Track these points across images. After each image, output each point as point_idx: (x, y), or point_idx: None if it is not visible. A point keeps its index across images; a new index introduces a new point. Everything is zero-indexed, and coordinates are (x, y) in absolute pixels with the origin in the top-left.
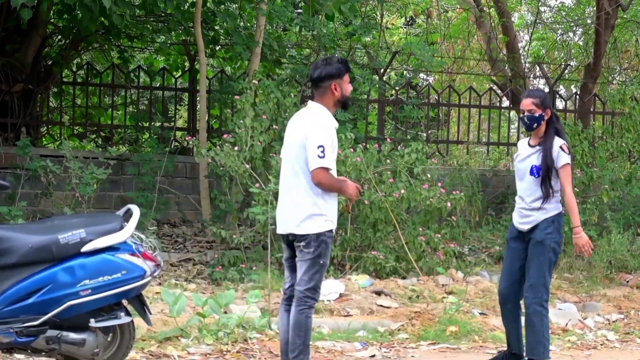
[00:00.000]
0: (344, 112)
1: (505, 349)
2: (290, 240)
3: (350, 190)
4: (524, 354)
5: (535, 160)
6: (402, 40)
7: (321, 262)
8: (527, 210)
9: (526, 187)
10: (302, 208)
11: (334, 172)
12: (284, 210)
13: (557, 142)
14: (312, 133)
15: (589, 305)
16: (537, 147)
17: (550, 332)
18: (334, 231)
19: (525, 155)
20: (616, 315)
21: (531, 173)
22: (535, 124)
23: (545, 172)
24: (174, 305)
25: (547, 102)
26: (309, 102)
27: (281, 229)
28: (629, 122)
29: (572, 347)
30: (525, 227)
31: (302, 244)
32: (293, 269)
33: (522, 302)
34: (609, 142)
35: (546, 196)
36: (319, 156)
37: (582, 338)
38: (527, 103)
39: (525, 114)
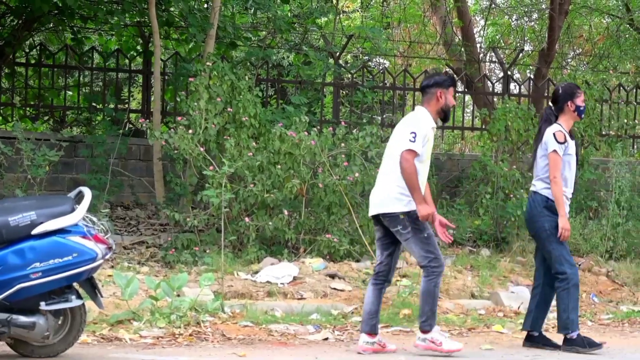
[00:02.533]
0: (299, 96)
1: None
2: (381, 221)
3: (421, 208)
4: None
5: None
6: (358, 22)
7: (424, 235)
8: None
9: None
10: (389, 189)
11: (422, 167)
12: (375, 192)
13: (551, 128)
14: (410, 124)
15: None
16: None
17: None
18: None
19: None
20: None
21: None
22: (584, 115)
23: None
24: (126, 288)
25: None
26: (417, 106)
27: (372, 211)
28: None
29: (523, 330)
30: None
31: (393, 225)
32: (384, 248)
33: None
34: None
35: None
36: (410, 140)
37: None
38: (582, 96)
39: (583, 105)
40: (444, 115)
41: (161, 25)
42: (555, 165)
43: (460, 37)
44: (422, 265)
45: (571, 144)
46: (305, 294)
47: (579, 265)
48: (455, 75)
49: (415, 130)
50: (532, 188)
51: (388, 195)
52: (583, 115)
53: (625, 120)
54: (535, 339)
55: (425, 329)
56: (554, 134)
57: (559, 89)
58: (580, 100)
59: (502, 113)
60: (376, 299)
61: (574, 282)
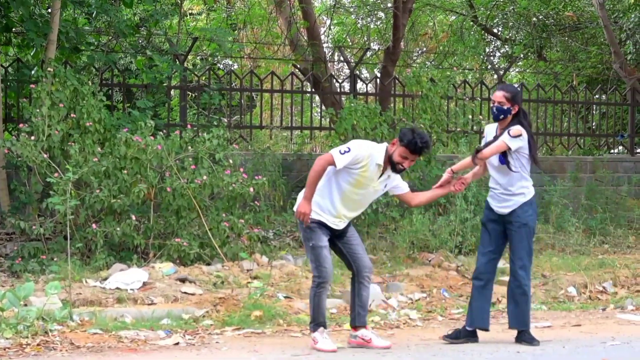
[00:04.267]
0: (146, 100)
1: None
2: None
3: (301, 206)
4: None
5: None
6: (203, 22)
7: (310, 244)
8: (507, 195)
9: (501, 175)
10: None
11: (354, 191)
12: None
13: (512, 127)
14: (355, 142)
15: (392, 286)
16: (498, 136)
17: None
18: (322, 221)
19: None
20: (419, 294)
21: (501, 162)
22: (502, 116)
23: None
24: None
25: (517, 98)
26: None
27: None
28: (426, 103)
29: (375, 327)
30: (505, 211)
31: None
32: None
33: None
34: (407, 124)
35: (520, 178)
36: (339, 150)
37: (385, 318)
38: (498, 95)
39: (495, 104)
40: (390, 164)
41: (1, 32)
42: None
43: (306, 37)
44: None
45: None
46: (156, 299)
47: (430, 261)
48: (419, 143)
49: (351, 147)
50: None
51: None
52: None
53: (471, 116)
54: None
55: (310, 329)
56: None
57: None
58: None
59: (348, 112)
60: (351, 293)
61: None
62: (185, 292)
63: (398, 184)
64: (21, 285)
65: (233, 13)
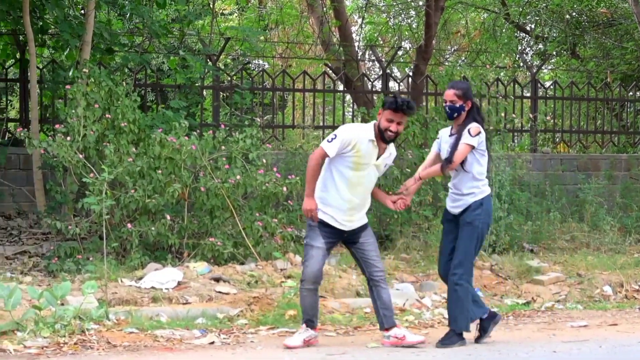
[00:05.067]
0: (179, 100)
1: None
2: None
3: (305, 204)
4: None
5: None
6: (235, 22)
7: (305, 241)
8: (458, 195)
9: (453, 175)
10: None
11: (355, 175)
12: None
13: (470, 125)
14: (340, 128)
15: (426, 285)
16: (456, 135)
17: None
18: (326, 222)
19: (448, 144)
20: None
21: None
22: (456, 114)
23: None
24: (8, 298)
25: (469, 94)
26: None
27: None
28: None
29: (409, 327)
30: (456, 211)
31: None
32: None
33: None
34: (439, 123)
35: (473, 179)
36: (327, 139)
37: (419, 317)
38: (449, 94)
39: (447, 104)
40: (381, 134)
41: (36, 33)
42: None
43: (338, 36)
44: None
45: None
46: (190, 299)
47: None
48: (399, 100)
49: (338, 133)
50: None
51: None
52: None
53: (504, 114)
54: None
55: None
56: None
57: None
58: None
59: (377, 111)
60: (371, 298)
61: None
62: (219, 292)
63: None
64: (58, 285)
65: (265, 13)
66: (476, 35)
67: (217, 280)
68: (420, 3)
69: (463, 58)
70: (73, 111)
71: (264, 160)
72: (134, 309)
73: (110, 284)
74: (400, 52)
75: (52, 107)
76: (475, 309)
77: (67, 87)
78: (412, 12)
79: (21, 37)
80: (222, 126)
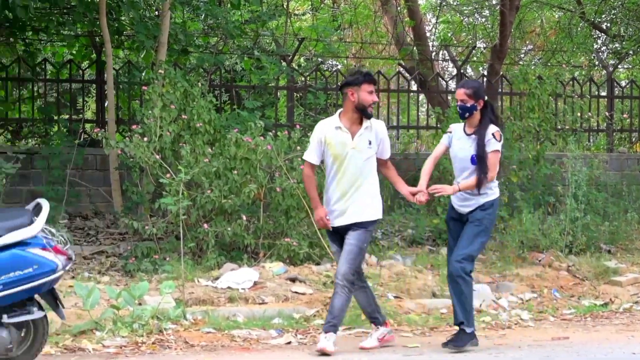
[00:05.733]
0: (253, 100)
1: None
2: None
3: (315, 216)
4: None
5: (474, 149)
6: (308, 22)
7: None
8: (469, 194)
9: (468, 175)
10: None
11: (339, 165)
12: None
13: (490, 129)
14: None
15: (502, 286)
16: (474, 136)
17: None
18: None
19: (463, 144)
20: (529, 295)
21: (472, 162)
22: (467, 114)
23: (480, 159)
24: (87, 298)
25: (480, 93)
26: None
27: None
28: (533, 101)
29: (486, 328)
30: (465, 210)
31: None
32: None
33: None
34: (515, 123)
35: (482, 182)
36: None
37: (496, 318)
38: (460, 93)
39: (458, 103)
40: (362, 112)
41: (112, 34)
42: None
43: (412, 36)
44: None
45: None
46: (267, 299)
47: (540, 260)
48: (364, 70)
49: (310, 140)
50: None
51: None
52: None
53: (580, 114)
54: None
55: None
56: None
57: None
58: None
59: (455, 111)
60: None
61: None
62: (295, 292)
63: (382, 149)
64: (136, 285)
65: (338, 13)
66: (551, 34)
67: (293, 280)
68: (494, 2)
69: (538, 57)
70: (149, 112)
71: None
72: (210, 309)
73: (187, 284)
74: (474, 52)
75: (128, 108)
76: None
77: (144, 88)
78: (487, 12)
79: (97, 39)
80: (297, 126)
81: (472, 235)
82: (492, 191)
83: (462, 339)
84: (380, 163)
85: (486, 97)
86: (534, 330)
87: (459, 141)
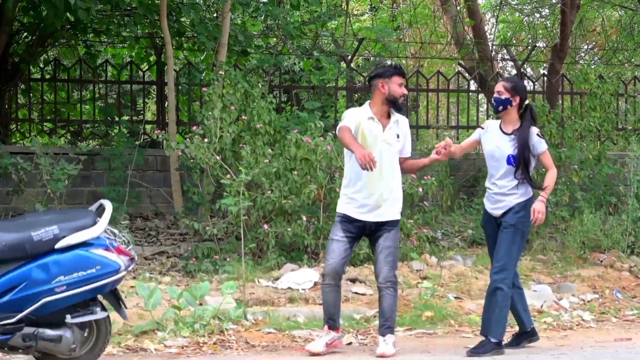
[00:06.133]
0: (312, 101)
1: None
2: None
3: (357, 153)
4: (528, 328)
5: (511, 149)
6: (367, 23)
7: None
8: (500, 195)
9: (502, 175)
10: None
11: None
12: None
13: (533, 130)
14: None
15: (564, 286)
16: (513, 136)
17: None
18: (346, 214)
19: (501, 143)
20: (591, 295)
21: (508, 162)
22: (501, 107)
23: (522, 161)
24: (149, 298)
25: (518, 89)
26: None
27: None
28: (594, 101)
29: (548, 329)
30: (498, 212)
31: None
32: None
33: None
34: (576, 122)
35: (521, 182)
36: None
37: (557, 319)
38: (498, 86)
39: (494, 96)
40: (392, 104)
41: (173, 36)
42: None
43: (471, 35)
44: None
45: None
46: None
47: (601, 261)
48: (394, 63)
49: (345, 114)
50: None
51: None
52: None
53: None
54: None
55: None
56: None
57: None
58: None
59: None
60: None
61: None
62: (355, 292)
63: (405, 145)
64: (197, 285)
65: (397, 13)
66: (612, 33)
67: (353, 281)
68: (555, 1)
69: (599, 56)
70: (209, 113)
71: None
72: (271, 310)
73: (247, 285)
74: (534, 51)
75: (188, 109)
76: (526, 318)
77: (204, 89)
78: (546, 10)
79: (158, 41)
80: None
81: (509, 243)
82: (524, 191)
83: (484, 348)
84: (401, 161)
85: (527, 100)
86: (596, 331)
87: (495, 139)
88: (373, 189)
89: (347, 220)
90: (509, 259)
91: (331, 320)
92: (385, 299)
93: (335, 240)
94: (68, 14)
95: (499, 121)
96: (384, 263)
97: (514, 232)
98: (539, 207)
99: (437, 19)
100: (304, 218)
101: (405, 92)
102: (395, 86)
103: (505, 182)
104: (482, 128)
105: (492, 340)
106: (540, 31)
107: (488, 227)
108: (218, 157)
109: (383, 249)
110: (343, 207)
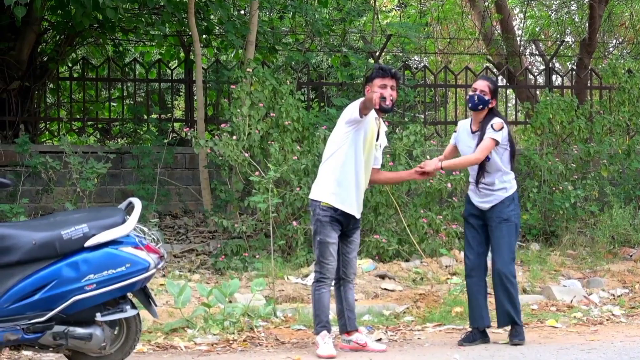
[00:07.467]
0: (340, 97)
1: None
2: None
3: (368, 95)
4: (488, 325)
5: (476, 145)
6: (394, 20)
7: (317, 239)
8: (488, 190)
9: (476, 172)
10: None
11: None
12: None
13: (490, 121)
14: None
15: (594, 281)
16: (478, 133)
17: None
18: (338, 209)
19: (469, 141)
20: (621, 290)
21: (486, 158)
22: (481, 106)
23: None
24: (178, 296)
25: (497, 92)
26: None
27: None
28: (623, 95)
29: (578, 324)
30: (486, 206)
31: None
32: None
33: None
34: (605, 117)
35: (505, 174)
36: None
37: (587, 314)
38: (482, 84)
39: (477, 92)
40: (379, 108)
41: (201, 34)
42: None
43: (500, 31)
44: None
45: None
46: (356, 295)
47: (631, 256)
48: (381, 65)
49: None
50: None
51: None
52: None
53: None
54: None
55: (315, 332)
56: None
57: None
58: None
59: (544, 106)
60: (337, 299)
61: None
62: (385, 289)
63: (377, 156)
64: (227, 282)
65: (427, 8)
66: None
67: (383, 277)
68: None
69: (628, 51)
70: (238, 110)
71: (428, 157)
72: (300, 306)
73: (277, 282)
74: (562, 46)
75: (217, 106)
76: (485, 314)
77: (232, 86)
78: (574, 6)
79: (186, 39)
80: (386, 123)
81: (507, 235)
82: (511, 185)
83: (520, 332)
84: (374, 172)
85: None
86: (626, 326)
87: (465, 139)
88: (360, 188)
89: (336, 220)
90: (510, 252)
91: (327, 324)
92: (352, 292)
93: (331, 243)
94: (96, 13)
95: (469, 120)
96: (356, 259)
97: (509, 225)
98: (430, 163)
99: (465, 15)
100: None
101: (390, 99)
102: (376, 88)
103: (489, 178)
104: (455, 132)
105: (519, 323)
106: (569, 26)
107: (471, 220)
108: (246, 155)
109: (355, 245)
110: (338, 203)
